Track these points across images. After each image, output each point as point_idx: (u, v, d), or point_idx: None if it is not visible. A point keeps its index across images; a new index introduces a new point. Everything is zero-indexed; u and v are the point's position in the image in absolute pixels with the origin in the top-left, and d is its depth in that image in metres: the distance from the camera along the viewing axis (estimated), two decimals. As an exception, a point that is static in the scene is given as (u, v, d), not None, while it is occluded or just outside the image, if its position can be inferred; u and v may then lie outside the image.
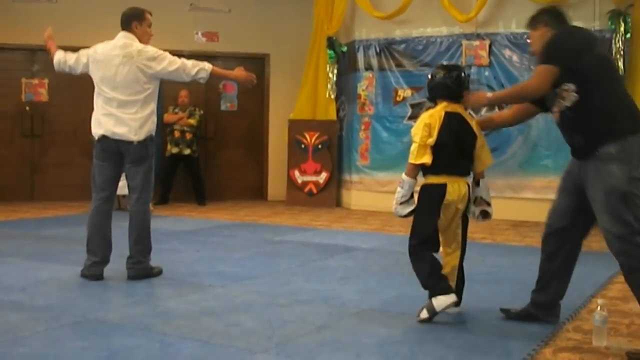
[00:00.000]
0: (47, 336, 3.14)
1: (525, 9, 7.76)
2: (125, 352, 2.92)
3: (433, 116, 3.43)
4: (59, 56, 4.56)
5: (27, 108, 9.24)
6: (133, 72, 4.27)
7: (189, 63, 4.35)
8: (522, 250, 5.72)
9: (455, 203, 3.44)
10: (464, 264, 3.60)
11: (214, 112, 9.89)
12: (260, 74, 9.28)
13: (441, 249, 3.55)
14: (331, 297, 3.96)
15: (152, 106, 4.38)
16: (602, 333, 3.11)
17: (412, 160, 3.42)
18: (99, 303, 3.79)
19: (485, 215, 3.62)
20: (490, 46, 8.06)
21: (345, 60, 9.28)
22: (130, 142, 4.27)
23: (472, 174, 3.60)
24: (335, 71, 9.20)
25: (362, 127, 8.94)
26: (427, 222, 3.43)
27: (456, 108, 3.48)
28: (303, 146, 9.22)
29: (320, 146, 9.17)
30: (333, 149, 9.21)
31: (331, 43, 9.14)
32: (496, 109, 6.51)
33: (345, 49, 9.24)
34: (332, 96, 9.23)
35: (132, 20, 4.41)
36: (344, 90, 9.34)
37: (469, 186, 3.53)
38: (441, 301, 3.36)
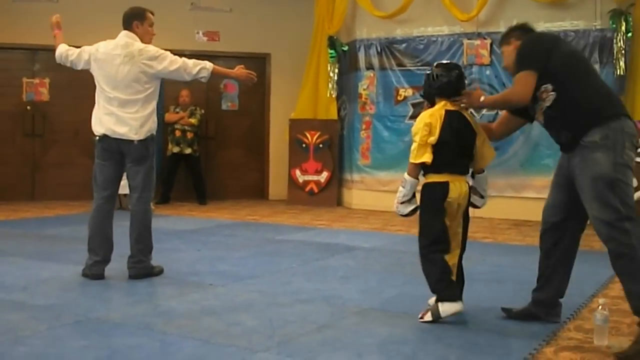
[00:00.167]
0: (48, 335, 3.14)
1: (527, 8, 7.82)
2: (126, 352, 2.91)
3: (434, 115, 3.43)
4: (61, 49, 4.55)
5: (28, 107, 9.25)
6: (134, 71, 4.27)
7: (190, 62, 4.35)
8: (523, 250, 5.72)
9: (456, 201, 3.44)
10: (465, 263, 3.60)
11: (215, 112, 9.89)
12: (261, 74, 9.30)
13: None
14: (332, 297, 3.96)
15: (153, 105, 4.38)
16: (603, 332, 3.11)
17: (412, 159, 3.42)
18: (100, 302, 3.79)
19: (473, 206, 3.61)
20: (491, 45, 8.06)
21: (346, 59, 9.28)
22: (131, 142, 4.27)
23: (470, 172, 3.61)
24: (336, 70, 9.21)
25: (363, 127, 8.95)
26: (433, 221, 3.42)
27: (455, 106, 3.48)
28: (304, 145, 9.22)
29: (321, 145, 9.17)
30: (334, 148, 9.21)
31: (332, 42, 9.14)
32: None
33: (346, 48, 9.24)
34: (333, 95, 9.23)
35: (134, 20, 4.41)
36: (345, 89, 9.35)
37: (469, 185, 3.53)
38: (447, 308, 3.36)
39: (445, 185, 3.41)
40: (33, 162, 9.36)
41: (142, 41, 4.38)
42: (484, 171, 3.64)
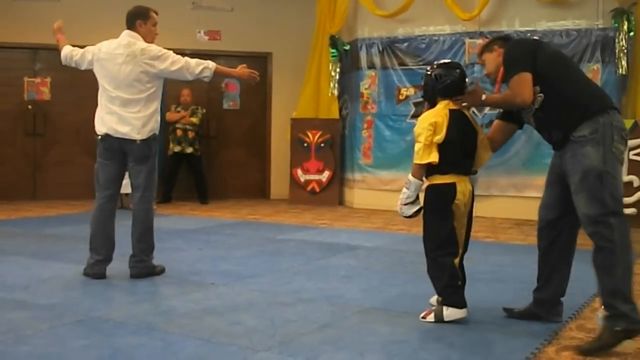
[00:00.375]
0: (50, 335, 3.14)
1: (529, 7, 7.81)
2: (127, 351, 2.91)
3: (439, 114, 3.39)
4: (66, 51, 4.58)
5: (30, 107, 9.25)
6: (136, 71, 4.26)
7: (193, 62, 4.34)
8: (525, 249, 5.72)
9: (463, 203, 3.41)
10: (466, 263, 3.59)
11: (217, 111, 9.89)
12: (263, 73, 9.29)
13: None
14: (334, 296, 3.96)
15: (156, 105, 4.38)
16: (605, 332, 3.10)
17: (417, 160, 3.35)
18: (102, 301, 3.79)
19: None
20: (492, 45, 8.04)
21: (348, 58, 9.28)
22: (133, 141, 4.27)
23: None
24: (338, 70, 9.20)
25: (365, 126, 8.94)
26: (441, 224, 3.38)
27: (457, 105, 3.46)
28: (306, 145, 9.22)
29: (322, 145, 9.17)
30: (336, 147, 9.21)
31: (334, 41, 9.13)
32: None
33: (347, 47, 9.23)
34: (335, 95, 9.23)
35: (137, 19, 4.40)
36: (347, 88, 9.34)
37: (472, 185, 3.52)
38: (452, 313, 3.36)
39: (452, 187, 3.38)
40: (34, 162, 9.36)
41: (145, 40, 4.37)
42: (477, 172, 3.63)
